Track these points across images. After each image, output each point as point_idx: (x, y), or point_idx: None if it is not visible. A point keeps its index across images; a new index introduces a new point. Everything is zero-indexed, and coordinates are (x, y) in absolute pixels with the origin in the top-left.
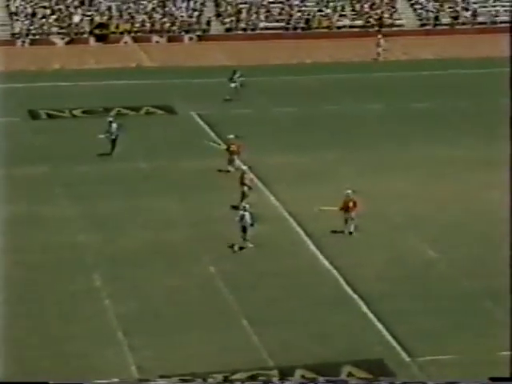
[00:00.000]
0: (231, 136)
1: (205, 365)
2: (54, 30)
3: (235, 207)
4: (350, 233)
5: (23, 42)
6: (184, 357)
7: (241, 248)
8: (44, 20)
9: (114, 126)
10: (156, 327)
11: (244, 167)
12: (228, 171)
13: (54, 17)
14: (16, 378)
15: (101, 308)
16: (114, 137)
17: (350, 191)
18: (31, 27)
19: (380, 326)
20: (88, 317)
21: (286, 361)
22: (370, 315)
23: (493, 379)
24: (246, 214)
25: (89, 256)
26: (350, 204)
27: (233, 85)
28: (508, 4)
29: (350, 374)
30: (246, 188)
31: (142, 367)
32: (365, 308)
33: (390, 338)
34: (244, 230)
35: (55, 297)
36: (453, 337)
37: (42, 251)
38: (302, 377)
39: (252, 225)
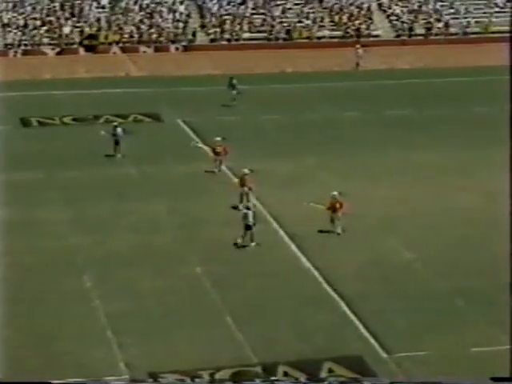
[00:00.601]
0: (218, 138)
1: (191, 362)
2: (45, 40)
3: (234, 208)
4: (338, 234)
5: (15, 52)
6: (171, 354)
7: (243, 246)
8: (35, 31)
9: (119, 130)
10: (144, 326)
11: (246, 170)
12: (219, 171)
13: (45, 28)
14: (9, 377)
15: (91, 308)
16: (118, 138)
17: (336, 193)
18: (23, 38)
19: (359, 324)
20: (79, 316)
21: (269, 358)
22: (350, 314)
23: (494, 379)
24: (249, 212)
25: (80, 258)
26: (337, 205)
27: (234, 92)
28: (479, 15)
29: (330, 371)
30: (246, 189)
31: (130, 364)
32: (344, 307)
33: (368, 335)
34: (247, 228)
35: (47, 297)
36: (428, 334)
37: (34, 253)
38: (285, 373)
39: (254, 224)
